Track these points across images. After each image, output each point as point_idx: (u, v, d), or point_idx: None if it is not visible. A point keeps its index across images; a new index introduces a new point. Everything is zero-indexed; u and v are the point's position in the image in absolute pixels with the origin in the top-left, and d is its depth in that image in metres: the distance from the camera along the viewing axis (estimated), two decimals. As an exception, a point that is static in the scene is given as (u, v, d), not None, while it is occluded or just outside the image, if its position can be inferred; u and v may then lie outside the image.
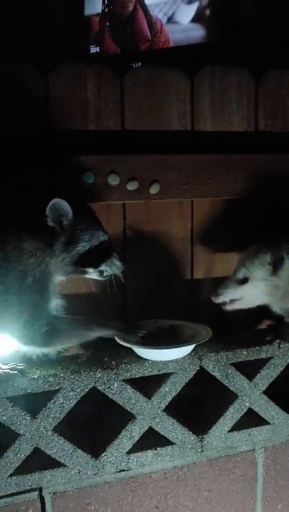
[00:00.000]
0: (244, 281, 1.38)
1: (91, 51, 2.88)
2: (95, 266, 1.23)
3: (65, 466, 1.28)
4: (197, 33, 2.47)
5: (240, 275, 1.38)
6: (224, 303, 1.40)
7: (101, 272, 1.25)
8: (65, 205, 1.16)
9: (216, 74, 1.52)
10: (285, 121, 1.60)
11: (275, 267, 1.35)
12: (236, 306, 1.40)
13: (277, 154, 1.54)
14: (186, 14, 2.49)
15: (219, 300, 1.39)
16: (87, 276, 1.26)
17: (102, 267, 1.24)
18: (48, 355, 1.25)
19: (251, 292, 1.39)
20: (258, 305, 1.43)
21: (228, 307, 1.40)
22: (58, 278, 1.25)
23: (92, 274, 1.25)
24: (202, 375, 1.37)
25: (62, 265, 1.20)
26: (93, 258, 1.22)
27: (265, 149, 1.55)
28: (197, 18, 2.46)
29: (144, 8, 2.42)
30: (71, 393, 1.26)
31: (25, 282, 1.16)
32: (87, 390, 1.27)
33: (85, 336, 1.26)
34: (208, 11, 2.40)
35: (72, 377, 1.26)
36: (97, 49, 2.87)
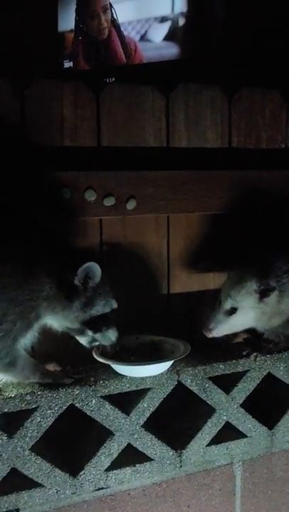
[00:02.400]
0: (232, 311, 1.37)
1: (65, 66, 2.89)
2: (95, 331, 1.28)
3: (43, 486, 1.26)
4: (170, 50, 2.51)
5: (228, 306, 1.37)
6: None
7: (92, 340, 1.29)
8: (97, 269, 1.21)
9: (190, 91, 1.55)
10: (258, 138, 1.64)
11: (263, 294, 1.35)
12: (225, 332, 1.40)
13: (251, 170, 1.57)
14: (159, 32, 2.53)
15: (212, 335, 1.37)
16: (78, 337, 1.30)
17: (98, 335, 1.28)
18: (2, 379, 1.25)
19: (240, 321, 1.39)
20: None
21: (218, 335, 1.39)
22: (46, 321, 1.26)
23: (84, 337, 1.29)
24: (180, 389, 1.37)
25: (73, 320, 1.25)
26: (98, 323, 1.27)
27: (239, 165, 1.58)
28: (170, 36, 2.51)
29: (118, 30, 2.44)
30: (49, 411, 1.24)
31: (15, 311, 1.17)
32: (64, 407, 1.26)
33: (38, 378, 1.26)
34: (180, 29, 2.45)
35: (50, 394, 1.24)
36: (71, 64, 2.89)
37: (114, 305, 1.29)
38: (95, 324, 1.26)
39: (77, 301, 1.23)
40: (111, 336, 1.29)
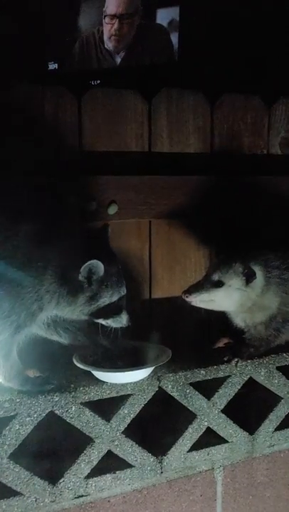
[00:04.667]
0: (219, 284, 1.34)
1: (49, 68, 2.87)
2: (106, 318, 1.28)
3: (22, 494, 1.25)
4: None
5: (216, 277, 1.34)
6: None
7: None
8: (100, 266, 1.20)
9: (172, 97, 1.55)
10: (240, 143, 1.64)
11: (248, 278, 1.34)
12: (203, 305, 1.35)
13: (232, 175, 1.57)
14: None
15: (190, 299, 1.33)
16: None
17: (109, 320, 1.28)
18: None
19: (223, 298, 1.35)
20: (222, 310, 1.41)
21: (194, 303, 1.35)
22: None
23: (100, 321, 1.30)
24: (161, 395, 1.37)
25: (79, 314, 1.25)
26: (107, 312, 1.27)
27: (220, 170, 1.58)
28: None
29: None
30: (27, 419, 1.23)
31: (21, 303, 1.18)
32: (44, 414, 1.24)
33: (18, 383, 1.25)
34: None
35: (29, 402, 1.23)
36: (56, 66, 2.87)
37: (123, 292, 1.28)
38: (103, 313, 1.26)
39: (81, 296, 1.22)
40: (122, 319, 1.29)
